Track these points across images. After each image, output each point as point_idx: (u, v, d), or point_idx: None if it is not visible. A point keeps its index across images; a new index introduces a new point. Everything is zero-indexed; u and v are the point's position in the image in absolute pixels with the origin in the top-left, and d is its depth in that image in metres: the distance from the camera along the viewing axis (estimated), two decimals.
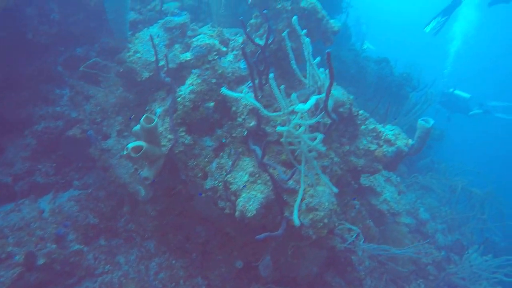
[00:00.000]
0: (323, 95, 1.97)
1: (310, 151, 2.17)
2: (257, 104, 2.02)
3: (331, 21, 3.08)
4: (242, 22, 2.04)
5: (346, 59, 7.48)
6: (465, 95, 8.29)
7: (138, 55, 3.10)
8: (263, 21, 2.89)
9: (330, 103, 2.31)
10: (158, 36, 3.13)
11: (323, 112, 2.24)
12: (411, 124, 7.30)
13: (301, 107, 1.76)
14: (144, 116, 2.42)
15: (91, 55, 4.04)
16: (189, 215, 3.53)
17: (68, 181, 3.87)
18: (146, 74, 3.06)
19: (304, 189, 2.68)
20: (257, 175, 2.60)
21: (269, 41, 2.29)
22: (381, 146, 3.34)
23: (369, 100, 7.17)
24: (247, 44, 2.70)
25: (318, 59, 2.28)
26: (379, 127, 3.46)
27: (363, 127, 3.55)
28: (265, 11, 2.05)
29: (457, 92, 8.09)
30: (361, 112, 3.44)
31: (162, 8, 4.15)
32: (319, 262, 3.37)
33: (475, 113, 7.80)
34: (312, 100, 1.99)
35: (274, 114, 2.13)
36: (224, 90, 1.82)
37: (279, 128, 1.86)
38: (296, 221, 1.96)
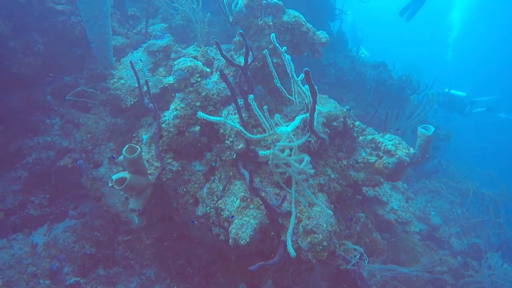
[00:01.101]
0: (307, 115, 1.84)
1: (299, 173, 2.04)
2: (239, 127, 1.91)
3: (318, 32, 2.98)
4: (217, 44, 1.94)
5: (343, 66, 7.37)
6: (461, 93, 8.25)
7: (122, 81, 3.03)
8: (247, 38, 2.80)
9: (320, 119, 2.18)
10: (141, 60, 3.06)
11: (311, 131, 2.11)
12: (415, 126, 7.14)
13: (282, 129, 1.64)
14: (126, 146, 2.32)
15: (79, 82, 3.99)
16: (188, 238, 3.41)
17: (63, 211, 3.78)
18: (130, 101, 2.98)
19: (300, 211, 2.55)
20: (248, 200, 2.47)
21: (249, 61, 2.19)
22: (381, 157, 3.19)
23: (369, 106, 7.03)
24: (228, 65, 2.61)
25: (301, 76, 2.16)
26: (378, 138, 3.31)
27: (361, 138, 3.41)
28: (241, 31, 1.95)
29: (453, 91, 8.04)
30: (357, 123, 3.30)
31: (148, 30, 4.11)
32: (328, 277, 3.22)
33: (478, 111, 7.76)
34: (296, 120, 1.87)
35: (258, 136, 2.01)
36: (200, 114, 1.71)
37: (262, 152, 1.74)
38: (291, 252, 1.81)
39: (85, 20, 3.04)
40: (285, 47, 2.05)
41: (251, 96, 1.85)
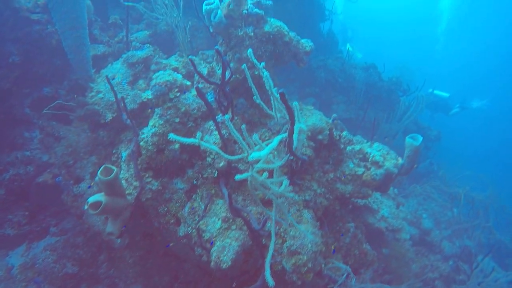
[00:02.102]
0: (286, 135, 1.76)
1: (279, 196, 1.95)
2: (215, 149, 1.81)
3: (303, 41, 2.88)
4: (191, 61, 1.84)
5: (333, 68, 7.30)
6: (444, 94, 8.37)
7: (100, 95, 2.91)
8: (227, 49, 2.70)
9: (302, 137, 2.09)
10: (120, 73, 2.94)
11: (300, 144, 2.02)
12: (406, 128, 7.12)
13: (255, 155, 1.55)
14: (102, 167, 2.21)
15: (60, 93, 3.86)
16: (174, 256, 3.31)
17: (44, 228, 3.65)
18: (109, 116, 2.86)
19: (284, 230, 2.46)
20: (230, 220, 2.38)
21: (226, 78, 2.09)
22: (369, 169, 3.11)
23: (360, 109, 6.97)
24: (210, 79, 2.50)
25: (282, 90, 2.07)
26: (366, 148, 3.24)
27: (349, 148, 3.33)
28: (217, 47, 1.85)
29: (436, 92, 8.14)
30: (344, 133, 3.23)
31: (131, 38, 3.98)
32: None
33: (455, 112, 7.95)
34: (274, 142, 1.78)
35: (237, 157, 1.92)
36: (171, 136, 1.61)
37: (238, 177, 1.64)
38: (270, 282, 1.72)
39: (61, 32, 2.91)
40: (263, 63, 1.96)
41: (226, 117, 1.76)
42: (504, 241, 6.19)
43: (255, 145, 2.02)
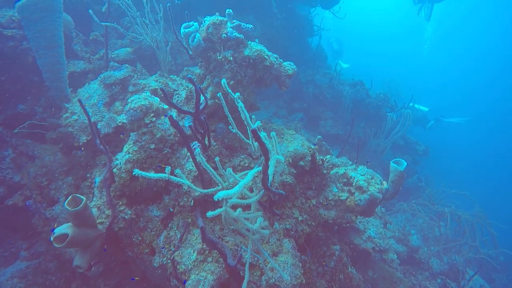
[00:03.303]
0: (259, 168, 1.67)
1: (253, 233, 1.85)
2: (186, 182, 1.71)
3: (285, 64, 2.83)
4: (163, 91, 1.75)
5: (321, 84, 7.31)
6: (424, 108, 8.59)
7: (75, 117, 2.79)
8: (206, 73, 2.62)
9: (280, 168, 2.01)
10: (97, 94, 2.83)
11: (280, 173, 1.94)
12: (394, 143, 7.13)
13: (221, 194, 1.45)
14: (69, 198, 2.09)
15: (36, 110, 3.71)
16: (151, 282, 3.15)
17: (13, 253, 3.46)
18: (84, 139, 2.74)
19: (263, 261, 2.36)
20: (206, 252, 2.26)
21: (201, 107, 2.01)
22: (353, 193, 3.04)
23: (348, 124, 6.96)
24: (187, 102, 2.41)
25: (258, 123, 2.00)
26: (350, 172, 3.17)
27: (333, 171, 3.27)
28: (189, 76, 1.77)
29: (417, 106, 8.33)
30: (327, 157, 3.17)
31: (112, 55, 3.89)
32: None
33: (431, 125, 8.18)
34: (248, 177, 1.69)
35: (209, 190, 1.83)
36: (136, 172, 1.51)
37: (209, 214, 1.54)
38: None
39: (35, 50, 2.80)
40: (238, 93, 1.88)
41: (197, 151, 1.67)
42: (491, 256, 6.18)
43: (230, 177, 1.93)
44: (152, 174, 1.59)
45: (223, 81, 1.78)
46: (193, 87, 2.74)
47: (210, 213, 1.60)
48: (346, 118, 6.87)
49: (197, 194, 2.28)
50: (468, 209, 5.90)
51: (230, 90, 1.84)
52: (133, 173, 1.53)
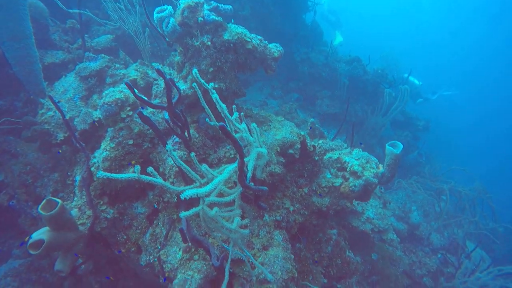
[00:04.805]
0: (235, 165, 1.55)
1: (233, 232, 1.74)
2: (161, 182, 1.59)
3: (270, 46, 2.64)
4: (128, 85, 1.60)
5: (317, 62, 7.05)
6: (417, 82, 8.38)
7: (50, 113, 2.65)
8: (185, 60, 2.45)
9: (261, 162, 1.88)
10: (72, 87, 2.68)
11: (253, 176, 1.82)
12: (394, 117, 6.95)
13: (190, 193, 1.33)
14: (43, 202, 1.98)
15: (16, 105, 3.56)
16: (142, 278, 3.12)
17: (5, 252, 3.42)
18: (61, 136, 2.61)
19: (254, 254, 2.28)
20: (193, 250, 2.18)
21: (174, 100, 1.86)
22: (347, 179, 2.93)
23: (345, 103, 6.76)
24: (165, 93, 2.25)
25: (235, 114, 1.85)
26: (344, 157, 3.04)
27: (327, 156, 3.14)
28: (157, 67, 1.61)
29: (411, 78, 8.12)
30: (320, 142, 3.03)
31: (92, 43, 3.69)
32: None
33: (420, 102, 8.06)
34: (225, 174, 1.57)
35: (181, 188, 1.70)
36: (100, 174, 1.39)
37: (182, 214, 1.43)
38: None
39: (0, 42, 2.62)
40: (212, 84, 1.72)
41: (168, 147, 1.54)
42: (490, 229, 6.16)
43: (209, 172, 1.81)
44: (119, 175, 1.46)
45: (194, 70, 1.63)
46: (175, 75, 2.58)
47: (183, 214, 1.48)
48: (343, 97, 6.67)
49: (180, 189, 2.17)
50: (468, 184, 5.82)
51: (203, 81, 1.69)
52: (97, 175, 1.42)
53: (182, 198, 1.35)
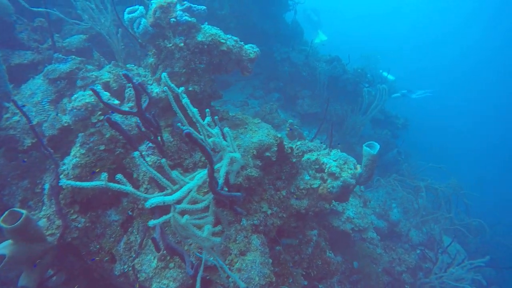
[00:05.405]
0: (205, 172, 1.51)
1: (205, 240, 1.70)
2: (130, 190, 1.52)
3: (246, 47, 2.60)
4: (93, 90, 1.53)
5: (297, 62, 7.06)
6: (390, 77, 8.55)
7: (16, 118, 2.52)
8: (158, 62, 2.38)
9: (236, 166, 1.85)
10: (41, 90, 2.56)
11: (223, 187, 1.78)
12: (373, 116, 7.04)
13: (155, 201, 1.29)
14: (5, 213, 1.88)
15: None
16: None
17: None
18: (28, 142, 2.49)
19: (230, 261, 2.24)
20: (168, 258, 2.12)
21: (144, 106, 1.79)
22: (326, 180, 2.93)
23: (325, 102, 6.81)
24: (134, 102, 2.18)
25: (208, 119, 1.81)
26: (322, 158, 3.05)
27: (305, 157, 3.13)
28: (124, 72, 1.54)
29: (384, 73, 8.27)
30: (298, 144, 3.02)
31: (63, 44, 3.55)
32: None
33: (396, 97, 8.16)
34: (195, 181, 1.53)
35: (152, 195, 1.65)
36: (62, 182, 1.34)
37: (151, 223, 1.38)
38: None
39: None
40: (182, 88, 1.68)
41: (135, 154, 1.48)
42: (465, 223, 6.38)
43: (180, 179, 1.76)
44: (85, 183, 1.41)
45: (163, 75, 1.57)
46: (149, 76, 2.50)
47: (151, 222, 1.44)
48: (324, 96, 6.72)
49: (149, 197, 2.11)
50: (445, 181, 5.98)
51: (173, 85, 1.63)
52: (59, 184, 1.35)
53: (147, 206, 1.30)
